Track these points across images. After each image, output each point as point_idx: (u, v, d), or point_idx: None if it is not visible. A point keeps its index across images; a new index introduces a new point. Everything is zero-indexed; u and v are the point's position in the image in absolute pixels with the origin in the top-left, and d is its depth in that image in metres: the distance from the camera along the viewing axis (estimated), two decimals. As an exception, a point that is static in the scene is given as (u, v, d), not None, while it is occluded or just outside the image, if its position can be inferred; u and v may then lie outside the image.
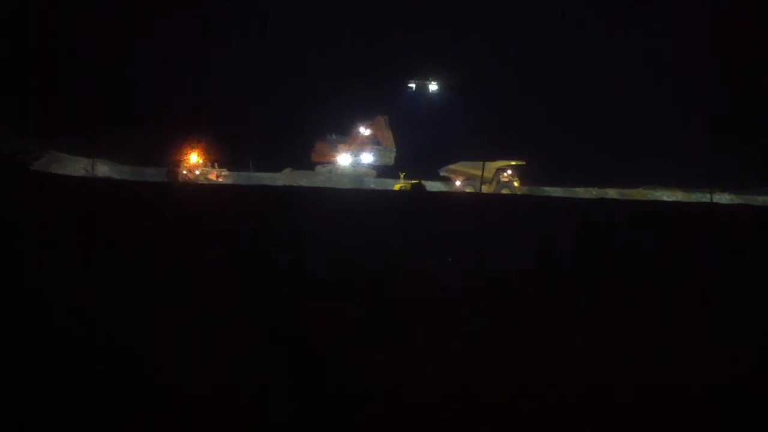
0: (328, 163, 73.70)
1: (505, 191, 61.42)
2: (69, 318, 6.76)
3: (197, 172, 62.75)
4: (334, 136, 74.66)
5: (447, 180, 68.25)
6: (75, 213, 14.38)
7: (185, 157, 63.69)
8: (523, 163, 66.70)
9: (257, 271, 9.63)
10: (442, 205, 25.57)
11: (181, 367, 5.61)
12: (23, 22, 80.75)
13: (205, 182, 57.79)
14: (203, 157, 64.64)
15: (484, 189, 63.64)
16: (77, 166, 56.07)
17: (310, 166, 73.37)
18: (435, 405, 5.04)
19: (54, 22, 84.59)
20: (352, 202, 24.24)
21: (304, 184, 59.76)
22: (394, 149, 73.88)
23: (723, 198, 63.20)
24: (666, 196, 66.76)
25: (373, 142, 74.40)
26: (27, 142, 54.31)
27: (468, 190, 61.74)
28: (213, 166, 64.50)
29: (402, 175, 66.43)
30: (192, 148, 63.69)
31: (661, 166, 72.75)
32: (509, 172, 66.47)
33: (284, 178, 66.43)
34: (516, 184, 65.21)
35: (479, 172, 66.23)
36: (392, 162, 73.20)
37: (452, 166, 69.05)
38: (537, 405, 5.16)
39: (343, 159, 73.69)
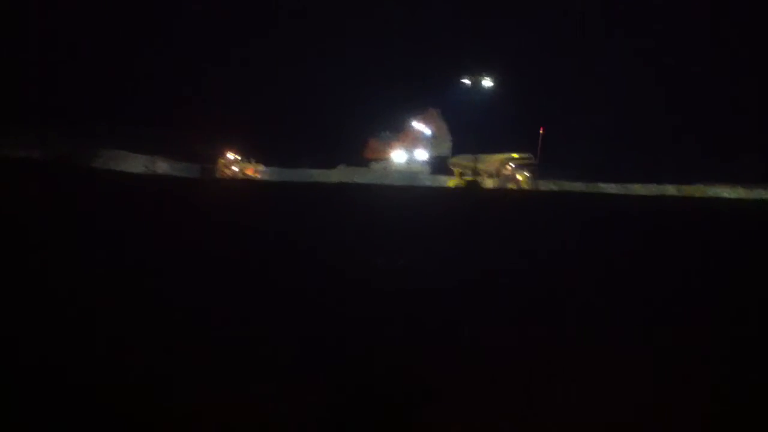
0: (382, 159, 73.88)
1: (511, 185, 59.86)
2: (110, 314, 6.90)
3: (235, 169, 63.24)
4: (387, 133, 74.87)
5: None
6: (132, 209, 14.73)
7: (222, 154, 64.13)
8: (526, 155, 64.68)
9: (298, 267, 9.69)
10: (497, 203, 25.39)
11: (209, 367, 5.67)
12: (79, 26, 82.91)
13: (242, 177, 58.20)
14: (240, 153, 64.93)
15: (489, 183, 62.08)
16: (137, 163, 57.17)
17: (364, 163, 73.61)
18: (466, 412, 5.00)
19: (109, 26, 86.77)
20: (403, 199, 24.23)
21: (357, 180, 59.90)
22: (450, 138, 73.71)
23: (786, 195, 61.19)
24: (726, 192, 65.09)
25: (427, 136, 74.39)
26: (88, 139, 56.00)
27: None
28: (250, 162, 65.03)
29: (457, 172, 66.03)
30: (229, 144, 64.01)
31: (721, 162, 71.14)
32: (512, 165, 64.75)
33: (338, 174, 66.66)
34: (520, 177, 63.47)
35: (479, 165, 65.44)
36: (449, 152, 72.82)
37: (453, 159, 68.39)
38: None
39: (398, 156, 73.80)
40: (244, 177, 59.34)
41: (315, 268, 9.95)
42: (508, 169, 64.35)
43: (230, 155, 64.78)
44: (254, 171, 64.01)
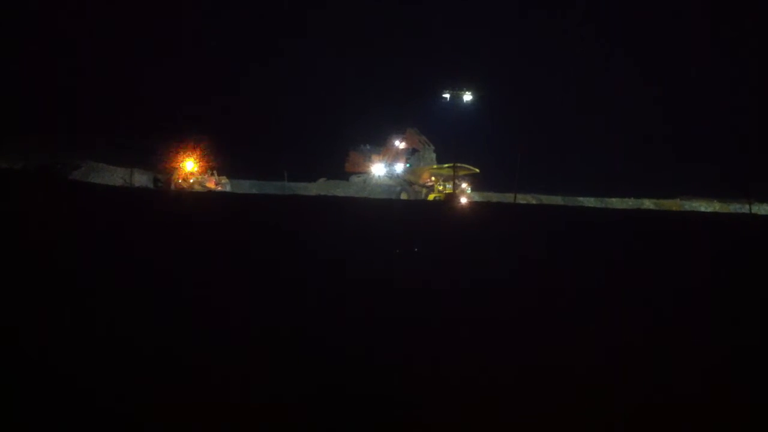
0: (362, 173, 73.82)
1: (431, 197, 63.47)
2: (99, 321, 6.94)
3: (191, 180, 60.21)
4: (368, 147, 74.79)
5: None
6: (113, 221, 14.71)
7: (179, 165, 60.80)
8: (435, 166, 67.99)
9: (285, 274, 9.75)
10: (474, 215, 25.58)
11: (204, 368, 5.72)
12: (59, 39, 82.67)
13: (200, 189, 55.95)
14: (200, 165, 61.52)
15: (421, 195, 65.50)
16: (115, 176, 56.70)
17: (345, 176, 73.54)
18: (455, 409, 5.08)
19: (89, 38, 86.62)
20: (382, 211, 24.35)
21: (338, 193, 59.88)
22: (432, 146, 73.99)
23: (762, 209, 61.99)
24: (703, 206, 65.86)
25: (408, 153, 74.52)
26: (65, 152, 55.49)
27: (403, 196, 63.04)
28: (211, 174, 62.61)
29: (436, 187, 66.53)
30: (187, 155, 60.71)
31: (698, 177, 72.03)
32: (433, 178, 67.66)
33: (318, 187, 66.62)
34: (441, 188, 65.61)
35: (413, 178, 68.95)
36: (434, 161, 73.15)
37: (407, 175, 71.42)
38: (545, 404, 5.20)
39: (377, 169, 73.78)
40: (202, 189, 57.38)
41: (314, 269, 10.04)
42: (432, 180, 66.47)
43: (188, 167, 61.55)
44: (216, 183, 61.48)
